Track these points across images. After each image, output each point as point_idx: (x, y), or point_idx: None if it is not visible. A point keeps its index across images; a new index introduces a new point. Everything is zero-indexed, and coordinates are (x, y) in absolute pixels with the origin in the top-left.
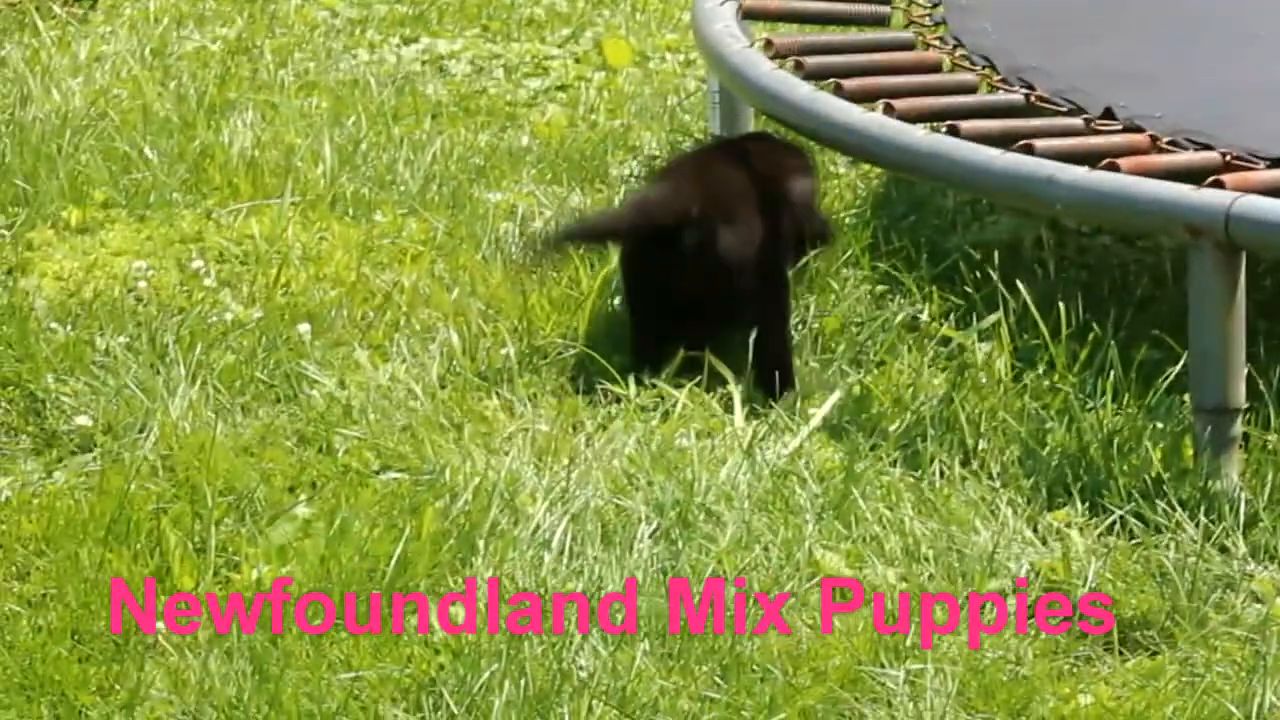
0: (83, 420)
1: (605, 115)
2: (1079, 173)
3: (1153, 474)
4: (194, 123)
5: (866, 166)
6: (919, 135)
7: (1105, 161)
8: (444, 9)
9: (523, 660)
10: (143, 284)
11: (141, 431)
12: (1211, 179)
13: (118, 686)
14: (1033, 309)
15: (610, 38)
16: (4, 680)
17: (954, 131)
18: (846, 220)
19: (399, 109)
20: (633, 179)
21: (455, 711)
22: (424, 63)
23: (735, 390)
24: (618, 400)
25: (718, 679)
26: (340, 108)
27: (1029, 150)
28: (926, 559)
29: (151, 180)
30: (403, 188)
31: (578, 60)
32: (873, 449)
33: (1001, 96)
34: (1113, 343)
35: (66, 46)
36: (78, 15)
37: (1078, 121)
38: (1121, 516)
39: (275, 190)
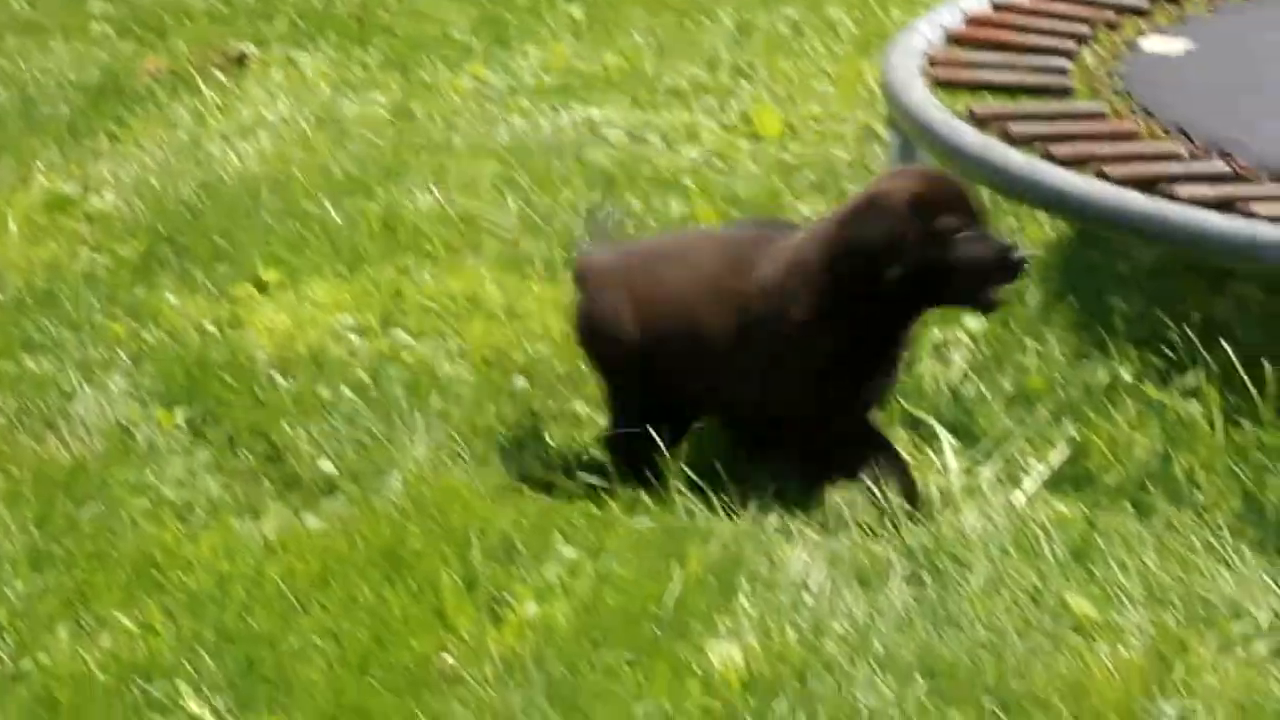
0: (326, 466)
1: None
2: None
3: None
4: (372, 184)
5: (1034, 230)
6: (1136, 198)
7: None
8: (589, 79)
9: (810, 694)
10: (353, 336)
11: (384, 476)
12: None
13: (419, 714)
14: (1239, 369)
15: (759, 107)
16: (313, 710)
17: (1169, 195)
18: (1034, 282)
19: (568, 173)
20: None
21: None
22: (579, 129)
23: (946, 440)
24: None
25: (998, 712)
26: (510, 171)
27: (1249, 214)
28: (1172, 603)
29: (345, 238)
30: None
31: (726, 129)
32: (1105, 499)
33: (1205, 164)
34: None
35: (230, 111)
36: (233, 76)
37: None
38: None
39: (463, 249)
